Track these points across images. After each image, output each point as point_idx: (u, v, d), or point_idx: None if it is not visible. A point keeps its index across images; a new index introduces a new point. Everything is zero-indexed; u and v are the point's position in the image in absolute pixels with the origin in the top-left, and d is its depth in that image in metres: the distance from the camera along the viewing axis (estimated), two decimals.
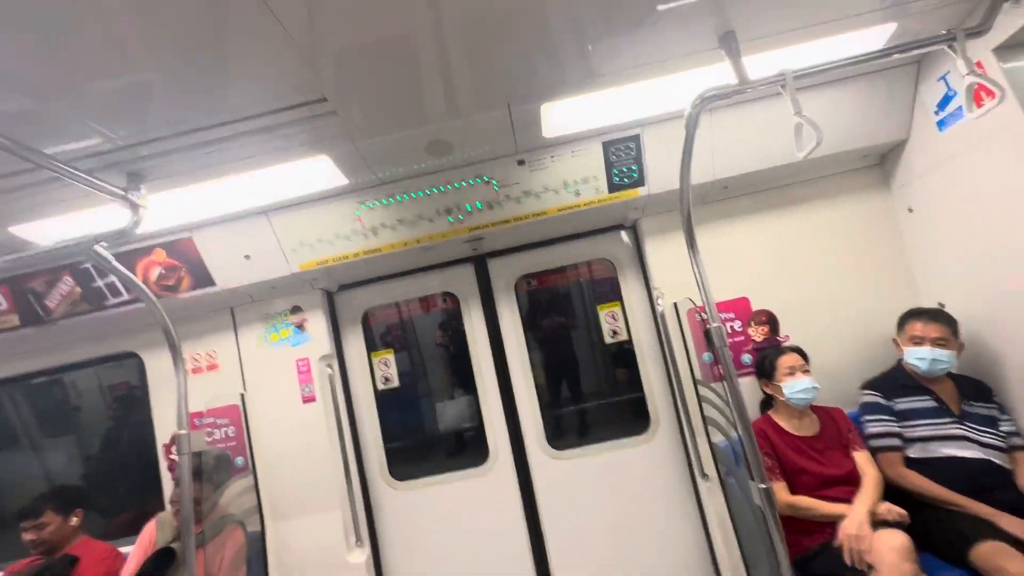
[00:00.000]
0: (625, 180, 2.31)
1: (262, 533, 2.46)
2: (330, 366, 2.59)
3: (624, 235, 2.73)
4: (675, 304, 2.39)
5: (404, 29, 1.40)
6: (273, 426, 2.57)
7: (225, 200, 2.12)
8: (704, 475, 2.34)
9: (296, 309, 2.63)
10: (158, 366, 2.65)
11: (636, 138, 2.21)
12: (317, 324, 2.63)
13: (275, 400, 2.57)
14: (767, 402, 2.22)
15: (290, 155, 1.90)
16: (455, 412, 2.88)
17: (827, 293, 2.42)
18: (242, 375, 2.62)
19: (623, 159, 2.27)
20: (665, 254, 2.51)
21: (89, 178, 1.58)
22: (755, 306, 2.45)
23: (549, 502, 2.59)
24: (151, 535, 2.28)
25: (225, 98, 1.57)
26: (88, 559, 2.26)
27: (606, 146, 2.23)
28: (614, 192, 2.33)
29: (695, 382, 2.36)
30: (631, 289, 2.68)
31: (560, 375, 2.82)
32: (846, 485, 1.94)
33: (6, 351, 2.67)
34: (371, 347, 2.80)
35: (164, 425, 2.64)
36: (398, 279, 2.79)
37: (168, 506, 2.41)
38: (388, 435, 2.73)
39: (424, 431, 2.85)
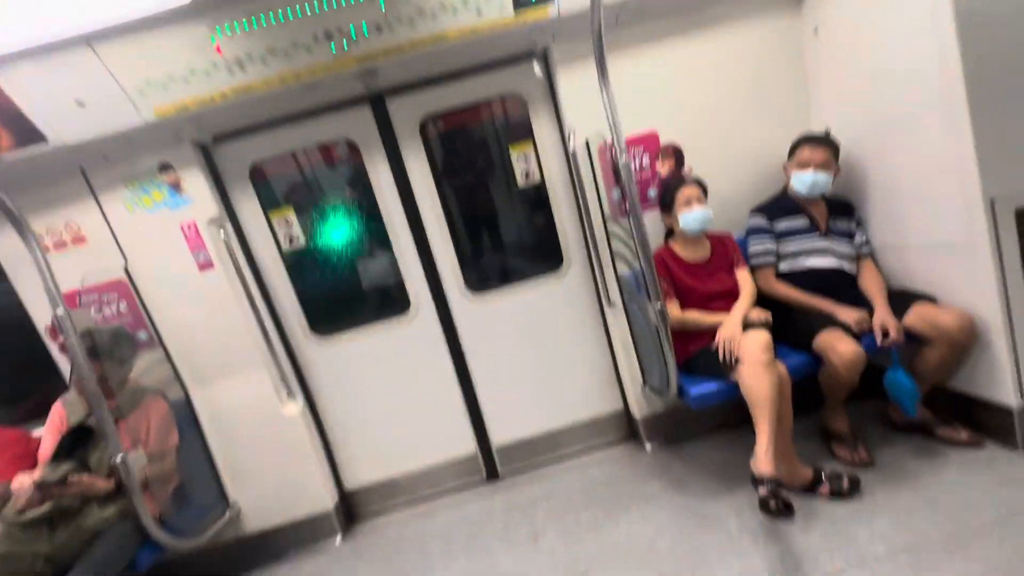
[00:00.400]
0: None
1: (187, 399, 2.46)
2: (222, 228, 2.36)
3: (536, 66, 2.50)
4: (587, 141, 2.34)
5: None
6: (172, 296, 2.39)
7: (27, 23, 1.62)
8: (611, 303, 2.56)
9: (165, 167, 2.27)
10: (6, 245, 2.27)
11: None
12: (196, 183, 2.31)
13: (166, 270, 2.36)
14: (670, 233, 2.37)
15: None
16: (376, 267, 2.83)
17: (730, 123, 2.46)
18: (118, 246, 2.33)
19: None
20: (577, 85, 2.36)
21: None
22: (663, 138, 2.45)
23: (472, 342, 2.76)
24: (60, 414, 2.20)
25: None
26: None
27: None
28: (520, 10, 2.05)
29: (604, 219, 2.43)
30: (543, 126, 2.56)
31: (475, 221, 2.79)
32: (727, 299, 2.22)
33: None
34: (269, 206, 2.56)
35: (39, 309, 2.37)
36: (286, 126, 2.44)
37: (71, 387, 2.29)
38: (307, 294, 2.66)
39: (342, 287, 2.80)
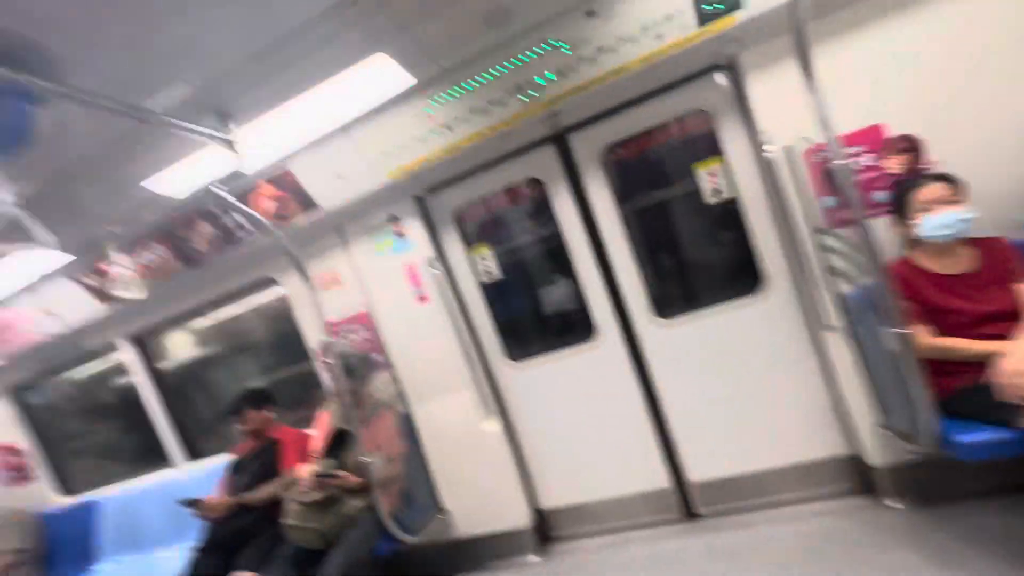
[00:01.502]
0: (717, 6, 1.94)
1: (409, 413, 2.89)
2: (435, 267, 2.75)
3: (719, 78, 2.37)
4: (789, 147, 2.10)
5: None
6: (398, 326, 2.87)
7: (307, 126, 2.18)
8: (828, 327, 2.21)
9: (392, 218, 2.77)
10: (292, 287, 3.02)
11: None
12: (415, 230, 2.76)
13: (395, 303, 2.84)
14: (915, 242, 1.93)
15: (350, 59, 1.87)
16: (559, 295, 2.96)
17: (989, 98, 1.94)
18: (364, 286, 2.89)
19: None
20: (772, 90, 2.15)
21: (186, 124, 1.71)
22: (892, 131, 2.06)
23: (662, 369, 2.65)
24: (326, 419, 2.79)
25: (274, 13, 1.54)
26: (287, 440, 2.86)
27: None
28: (705, 24, 1.98)
29: (815, 231, 2.13)
30: (733, 139, 2.39)
31: (660, 244, 2.71)
32: (1006, 321, 1.71)
33: (180, 290, 3.20)
34: (469, 245, 2.90)
35: (311, 334, 3.08)
36: (482, 173, 2.76)
37: (330, 399, 2.89)
38: (501, 322, 2.90)
39: (533, 314, 2.99)
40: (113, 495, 3.70)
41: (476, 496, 2.83)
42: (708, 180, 2.46)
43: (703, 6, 1.95)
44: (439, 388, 2.84)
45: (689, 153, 2.54)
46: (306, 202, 2.57)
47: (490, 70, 2.12)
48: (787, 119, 2.11)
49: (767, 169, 2.20)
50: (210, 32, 1.54)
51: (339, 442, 2.57)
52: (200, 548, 2.62)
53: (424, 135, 2.32)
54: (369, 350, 2.91)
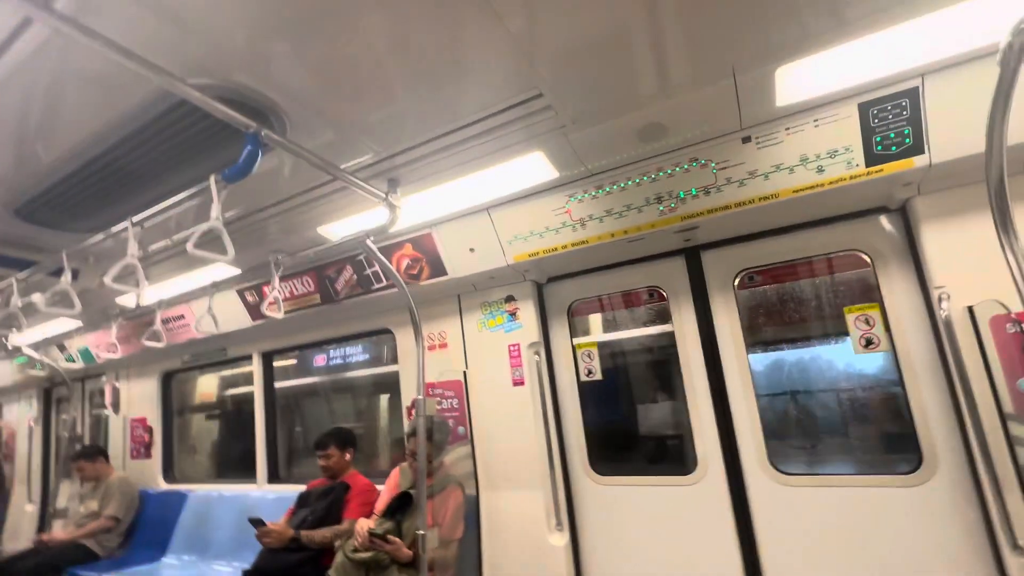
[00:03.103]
0: (892, 148, 1.83)
1: (476, 497, 2.75)
2: (538, 353, 2.73)
3: (885, 220, 2.17)
4: (970, 308, 1.79)
5: (620, 10, 1.37)
6: (488, 403, 2.84)
7: (456, 199, 2.42)
8: (1018, 547, 1.69)
9: (510, 298, 2.85)
10: (404, 341, 3.20)
11: (913, 92, 1.72)
12: (527, 313, 2.80)
13: (490, 380, 2.84)
14: None
15: (508, 153, 2.06)
16: (658, 416, 2.75)
17: None
18: (464, 355, 2.96)
19: (889, 122, 1.80)
20: (953, 242, 1.90)
21: (365, 185, 1.99)
22: None
23: (771, 533, 2.23)
24: (396, 479, 2.77)
25: (457, 106, 1.78)
26: (356, 488, 2.87)
27: (864, 108, 1.80)
28: (875, 165, 1.87)
29: (1003, 417, 1.72)
30: (896, 288, 2.12)
31: (790, 387, 2.41)
32: None
33: (309, 323, 3.57)
34: (576, 337, 2.85)
35: (407, 391, 3.17)
36: (604, 272, 2.78)
37: (407, 458, 2.88)
38: (589, 427, 2.74)
39: (626, 430, 2.78)
40: (198, 493, 3.97)
41: None
42: (859, 327, 2.18)
43: (876, 148, 1.85)
44: (512, 481, 2.68)
45: (837, 294, 2.30)
46: (436, 267, 2.78)
47: (634, 179, 2.20)
48: (971, 277, 1.83)
49: (939, 329, 1.88)
50: (403, 116, 1.83)
51: (401, 505, 2.51)
52: (247, 572, 2.65)
53: (557, 227, 2.43)
54: (454, 420, 2.90)
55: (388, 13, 1.35)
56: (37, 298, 2.38)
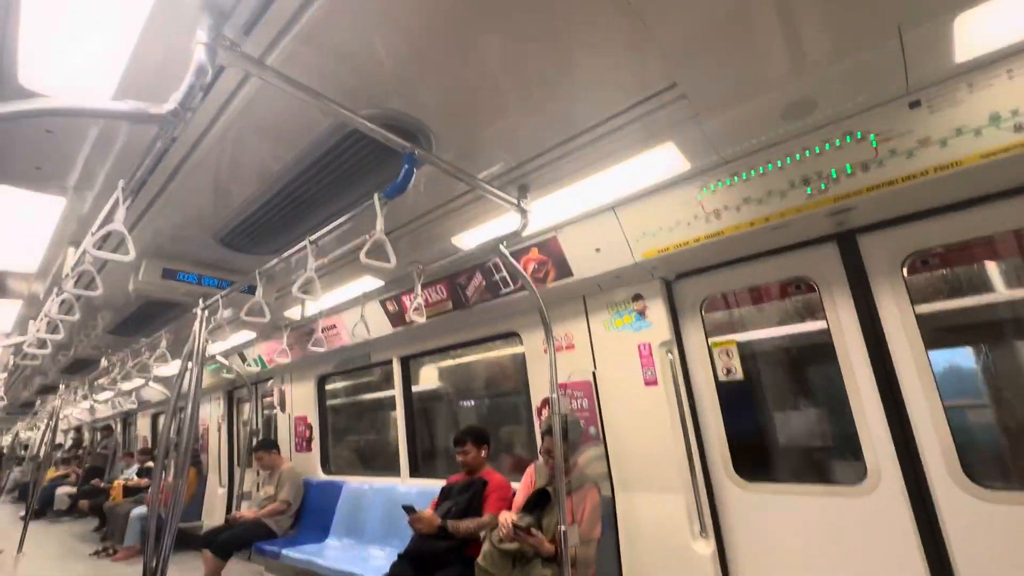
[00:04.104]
0: None
1: (612, 498, 2.73)
2: (670, 352, 2.65)
3: None
4: None
5: None
6: (619, 403, 2.81)
7: (582, 200, 2.45)
8: None
9: (637, 297, 2.81)
10: (531, 343, 3.30)
11: None
12: (656, 311, 2.74)
13: (620, 380, 2.81)
14: None
15: (637, 149, 2.06)
16: (809, 419, 2.51)
17: None
18: (592, 355, 2.97)
19: None
20: None
21: (500, 193, 2.11)
22: None
23: (972, 560, 1.91)
24: (531, 476, 2.85)
25: (587, 107, 1.82)
26: (493, 484, 3.00)
27: None
28: None
29: None
30: None
31: (994, 385, 2.06)
32: None
33: (441, 328, 3.83)
34: (712, 336, 2.72)
35: (536, 391, 3.26)
36: (740, 264, 2.62)
37: (539, 456, 2.94)
38: (733, 430, 2.58)
39: (773, 433, 2.57)
40: (352, 484, 4.44)
41: None
42: None
43: None
44: (648, 484, 2.62)
45: None
46: (562, 268, 2.83)
47: (775, 162, 2.06)
48: None
49: None
50: (534, 124, 1.92)
51: (540, 501, 2.58)
52: (401, 555, 2.89)
53: (688, 220, 2.35)
54: (585, 420, 2.91)
55: (515, 29, 1.45)
56: (242, 312, 2.83)
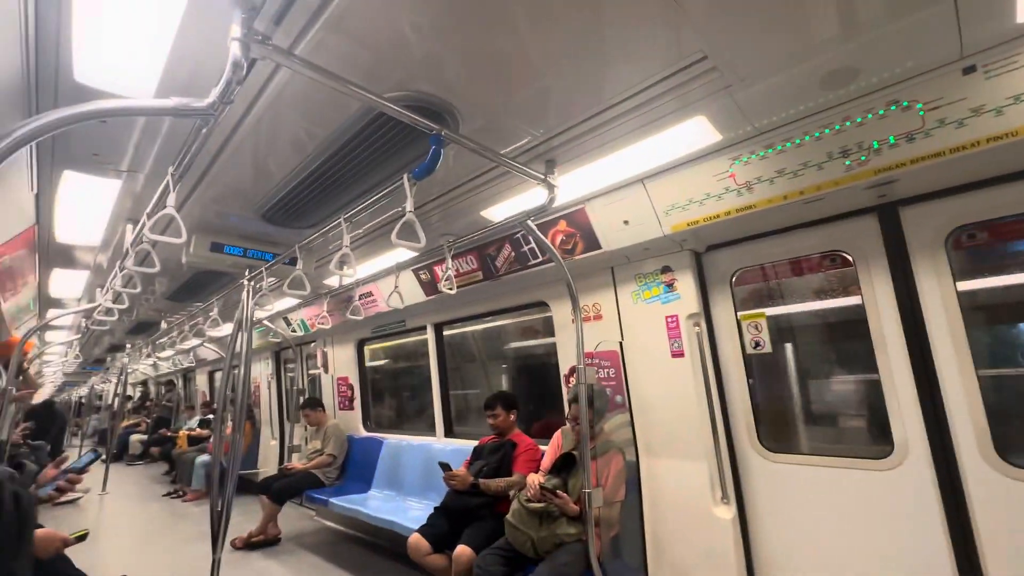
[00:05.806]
0: None
1: (636, 463, 2.83)
2: (698, 324, 2.66)
3: None
4: None
5: None
6: (645, 373, 2.86)
7: (610, 173, 2.43)
8: None
9: (666, 269, 2.81)
10: (560, 313, 3.37)
11: None
12: (685, 284, 2.73)
13: (647, 350, 2.85)
14: None
15: (667, 122, 2.01)
16: (839, 392, 2.50)
17: None
18: (620, 326, 3.01)
19: None
20: None
21: (526, 168, 2.12)
22: None
23: (996, 539, 1.92)
24: (559, 440, 2.98)
25: (616, 81, 1.79)
26: (522, 446, 3.16)
27: None
28: None
29: None
30: None
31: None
32: None
33: (471, 297, 3.93)
34: (741, 309, 2.71)
35: (564, 360, 3.35)
36: (772, 237, 2.56)
37: (567, 422, 3.06)
38: (760, 402, 2.61)
39: (802, 404, 2.58)
40: (391, 441, 4.74)
41: None
42: None
43: None
44: (672, 451, 2.70)
45: None
46: (590, 241, 2.84)
47: (812, 133, 1.97)
48: None
49: None
50: (560, 98, 1.90)
51: (566, 464, 2.71)
52: (437, 508, 3.12)
53: (720, 192, 2.30)
54: (611, 389, 2.99)
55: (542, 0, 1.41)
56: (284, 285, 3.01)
